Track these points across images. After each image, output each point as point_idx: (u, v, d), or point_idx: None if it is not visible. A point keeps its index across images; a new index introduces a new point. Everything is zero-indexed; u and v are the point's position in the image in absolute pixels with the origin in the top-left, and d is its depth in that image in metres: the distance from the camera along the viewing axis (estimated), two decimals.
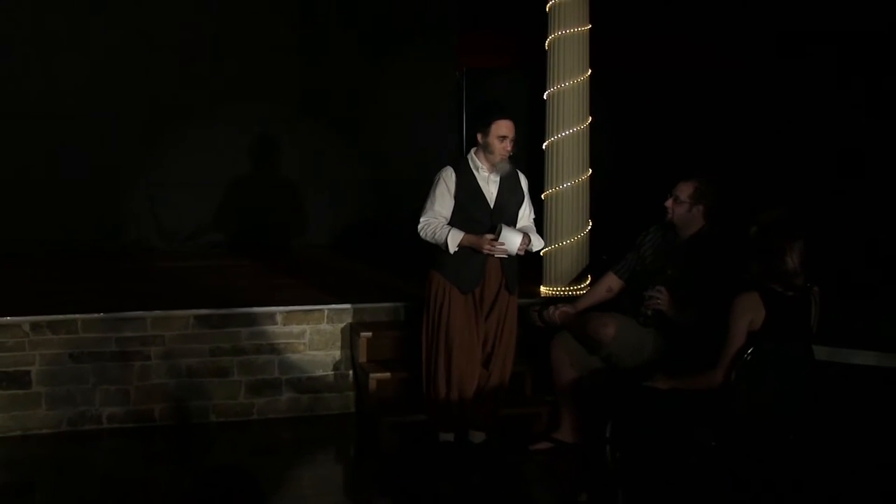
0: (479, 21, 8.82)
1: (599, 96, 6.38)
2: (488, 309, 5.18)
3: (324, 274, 7.30)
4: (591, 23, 6.15)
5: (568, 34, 6.04)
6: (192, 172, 8.50)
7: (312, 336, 5.94)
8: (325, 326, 5.97)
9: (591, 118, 6.19)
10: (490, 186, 5.10)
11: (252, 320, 5.84)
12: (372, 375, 5.59)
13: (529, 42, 6.69)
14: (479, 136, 5.06)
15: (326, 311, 5.99)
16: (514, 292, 5.25)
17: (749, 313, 4.13)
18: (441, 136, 8.99)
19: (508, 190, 5.14)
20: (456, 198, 5.05)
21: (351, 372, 5.97)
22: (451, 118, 9.04)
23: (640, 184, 8.21)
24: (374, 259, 7.97)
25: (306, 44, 8.72)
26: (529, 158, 6.41)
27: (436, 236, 5.02)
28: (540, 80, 6.35)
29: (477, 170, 5.08)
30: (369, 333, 5.82)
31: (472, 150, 5.17)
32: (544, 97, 6.23)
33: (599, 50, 6.31)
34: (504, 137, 4.98)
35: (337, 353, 5.99)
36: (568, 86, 6.07)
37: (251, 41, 8.53)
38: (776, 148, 8.68)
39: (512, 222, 5.10)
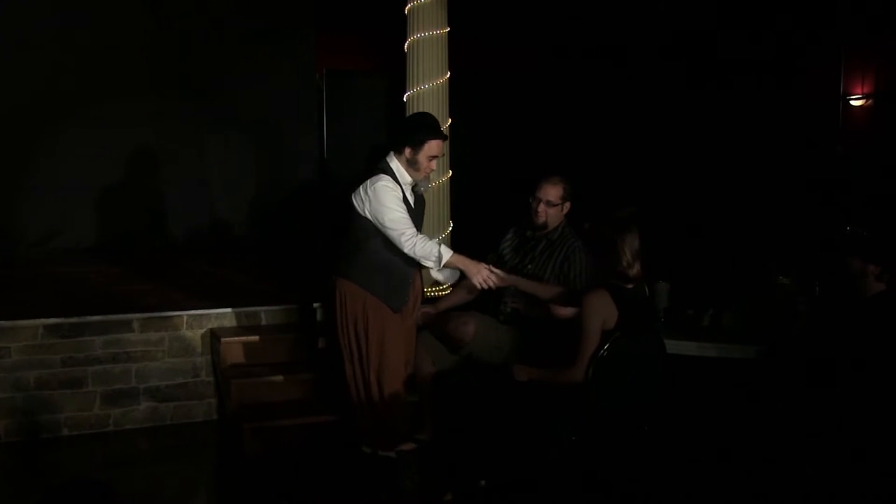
0: (338, 23, 8.83)
1: (457, 98, 6.47)
2: (409, 323, 5.06)
3: (182, 278, 7.15)
4: (449, 26, 6.23)
5: (427, 37, 6.10)
6: (44, 176, 8.23)
7: (171, 343, 5.81)
8: (184, 332, 5.85)
9: (450, 119, 6.27)
10: (411, 199, 4.85)
11: (107, 328, 5.67)
12: (233, 381, 5.52)
13: (388, 44, 6.73)
14: (407, 150, 4.71)
15: (185, 317, 5.87)
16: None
17: (601, 310, 4.19)
18: (300, 137, 8.96)
19: (420, 203, 4.99)
20: None
21: (212, 378, 5.87)
22: (310, 119, 9.02)
23: (497, 184, 8.39)
24: (233, 263, 7.87)
25: (160, 43, 8.55)
26: None
27: (426, 249, 4.59)
28: (399, 82, 6.39)
29: (406, 183, 4.77)
30: (230, 338, 5.74)
31: (395, 160, 4.76)
32: (404, 99, 6.27)
33: (458, 51, 6.41)
34: (434, 157, 4.78)
35: (198, 360, 5.88)
36: (427, 88, 6.13)
37: (102, 41, 8.31)
38: (628, 148, 9.00)
39: None
